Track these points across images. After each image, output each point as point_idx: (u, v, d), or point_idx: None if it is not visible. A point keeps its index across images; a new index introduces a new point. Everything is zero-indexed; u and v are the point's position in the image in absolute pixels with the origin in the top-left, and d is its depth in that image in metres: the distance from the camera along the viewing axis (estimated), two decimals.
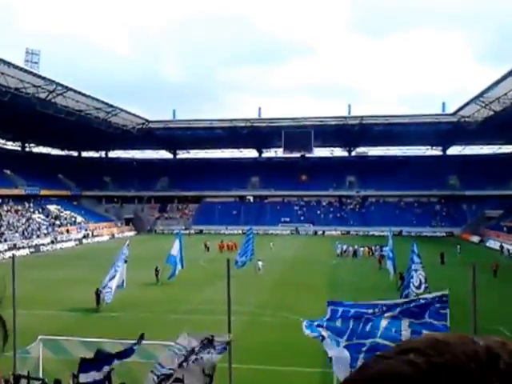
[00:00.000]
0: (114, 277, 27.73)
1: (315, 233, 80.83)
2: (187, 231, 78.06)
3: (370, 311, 7.67)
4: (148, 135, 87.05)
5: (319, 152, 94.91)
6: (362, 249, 53.72)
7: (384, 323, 7.49)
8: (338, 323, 8.02)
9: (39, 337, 15.36)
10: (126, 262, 29.30)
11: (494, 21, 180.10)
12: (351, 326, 7.88)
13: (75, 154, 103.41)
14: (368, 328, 7.58)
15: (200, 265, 44.32)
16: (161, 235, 78.64)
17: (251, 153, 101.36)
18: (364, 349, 7.52)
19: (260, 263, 39.56)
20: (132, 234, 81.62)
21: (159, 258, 38.27)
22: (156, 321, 24.91)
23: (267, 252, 50.44)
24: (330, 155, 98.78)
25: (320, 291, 33.02)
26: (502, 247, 54.84)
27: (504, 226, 68.99)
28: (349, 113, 79.93)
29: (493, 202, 79.56)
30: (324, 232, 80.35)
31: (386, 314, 7.55)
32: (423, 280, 24.94)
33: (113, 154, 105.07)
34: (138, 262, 40.43)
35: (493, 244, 60.27)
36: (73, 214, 79.89)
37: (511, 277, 38.64)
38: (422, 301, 7.52)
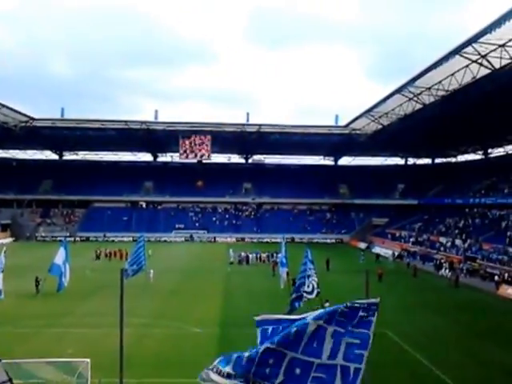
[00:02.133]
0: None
1: (210, 240, 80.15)
2: (72, 238, 73.80)
3: (301, 323, 7.07)
4: (32, 134, 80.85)
5: (216, 158, 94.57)
6: (255, 255, 53.85)
7: (308, 333, 6.92)
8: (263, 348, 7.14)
9: None
10: (2, 271, 26.80)
11: (380, 39, 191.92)
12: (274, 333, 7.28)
13: None
14: (292, 337, 6.97)
15: (85, 274, 41.77)
16: (42, 243, 73.93)
17: (146, 156, 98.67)
18: (284, 363, 6.93)
19: (151, 272, 38.03)
20: (9, 240, 75.06)
21: (40, 268, 35.92)
22: (35, 336, 23.06)
23: (159, 260, 48.87)
24: (227, 162, 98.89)
25: (214, 299, 32.62)
26: (378, 255, 58.08)
27: (388, 233, 73.25)
28: (247, 121, 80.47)
29: (379, 211, 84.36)
30: (218, 239, 79.91)
31: (311, 321, 6.95)
32: (315, 285, 25.25)
33: None
34: (16, 272, 38.02)
35: (378, 250, 63.44)
36: None
37: (394, 281, 40.72)
38: (345, 307, 7.00)
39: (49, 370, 13.31)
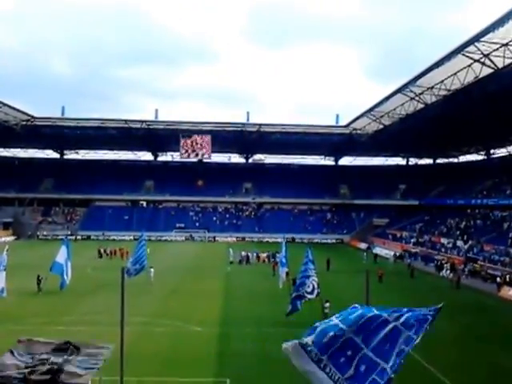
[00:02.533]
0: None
1: (210, 239, 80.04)
2: (73, 237, 73.89)
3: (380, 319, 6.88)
4: (33, 133, 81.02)
5: (217, 158, 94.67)
6: (254, 254, 53.81)
7: (385, 331, 6.70)
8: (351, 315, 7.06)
9: None
10: (4, 269, 26.74)
11: (381, 38, 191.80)
12: (361, 322, 6.98)
13: None
14: (371, 330, 6.79)
15: (86, 273, 41.78)
16: (44, 241, 73.98)
17: (146, 156, 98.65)
18: (357, 358, 6.75)
19: (152, 270, 37.94)
20: (11, 239, 75.22)
21: (41, 266, 35.81)
22: (37, 333, 22.48)
23: (160, 259, 48.75)
24: (228, 161, 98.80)
25: (214, 298, 32.57)
26: (375, 256, 56.93)
27: (389, 234, 73.08)
28: (247, 120, 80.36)
29: (380, 211, 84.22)
30: (218, 238, 79.88)
31: (392, 321, 6.77)
32: (316, 285, 25.07)
33: None
34: (18, 270, 37.93)
35: (379, 251, 63.21)
36: None
37: (394, 282, 40.61)
38: (419, 314, 6.80)
39: None
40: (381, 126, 68.55)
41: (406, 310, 6.90)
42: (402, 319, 6.73)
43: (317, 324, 7.19)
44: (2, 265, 26.85)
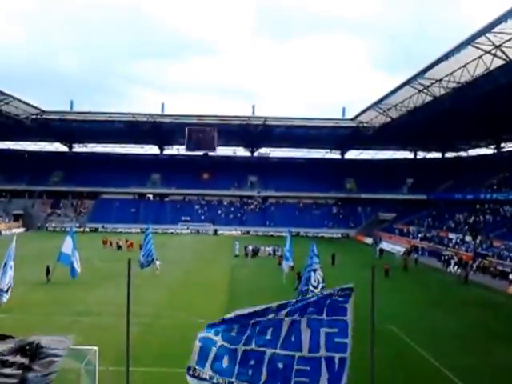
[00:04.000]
0: (6, 277, 25.45)
1: (215, 232, 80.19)
2: (81, 229, 74.41)
3: (270, 316, 6.94)
4: (42, 126, 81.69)
5: (222, 151, 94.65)
6: (265, 248, 53.85)
7: (284, 329, 6.79)
8: (234, 332, 7.10)
9: None
10: (11, 268, 26.93)
11: (388, 31, 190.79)
12: (248, 333, 7.03)
13: None
14: (268, 335, 6.85)
15: (94, 264, 42.13)
16: (52, 233, 74.27)
17: (152, 149, 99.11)
18: (265, 362, 6.80)
19: (158, 263, 38.16)
20: (21, 230, 76.04)
21: (50, 257, 36.03)
22: (44, 323, 23.19)
23: (166, 252, 48.93)
24: (233, 155, 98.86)
25: (219, 291, 32.68)
26: (381, 250, 56.28)
27: (396, 229, 72.83)
28: (253, 113, 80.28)
29: (386, 206, 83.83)
30: (223, 232, 79.95)
31: (285, 318, 6.84)
32: (321, 280, 24.98)
33: (2, 145, 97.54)
34: (27, 261, 38.28)
35: (385, 246, 62.87)
36: None
37: (400, 277, 40.50)
38: (318, 297, 6.95)
39: None
40: (388, 119, 68.06)
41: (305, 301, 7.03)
42: (297, 312, 6.84)
43: (201, 355, 7.35)
44: (10, 259, 26.78)
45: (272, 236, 74.06)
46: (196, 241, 68.58)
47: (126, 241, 55.87)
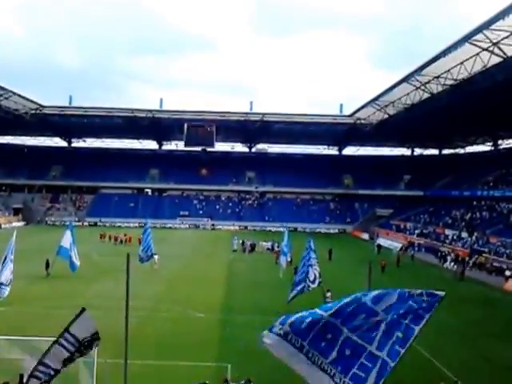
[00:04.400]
0: (7, 270, 25.71)
1: (213, 227, 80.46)
2: (80, 223, 74.73)
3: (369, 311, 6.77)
4: (42, 121, 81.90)
5: (220, 147, 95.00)
6: (263, 243, 54.06)
7: (374, 321, 6.68)
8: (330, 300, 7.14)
9: None
10: (13, 254, 27.21)
11: (386, 28, 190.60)
12: (340, 306, 6.98)
13: None
14: (353, 319, 6.77)
15: (93, 258, 42.52)
16: (52, 227, 74.57)
17: (151, 144, 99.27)
18: (339, 342, 6.78)
19: (156, 257, 38.49)
20: (21, 224, 76.46)
21: (50, 251, 36.35)
22: (44, 316, 23.54)
23: (165, 246, 49.22)
24: (231, 150, 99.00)
25: (216, 285, 33.07)
26: (379, 246, 55.97)
27: (393, 225, 73.13)
28: (251, 109, 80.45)
29: (383, 202, 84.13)
30: (221, 227, 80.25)
31: (375, 317, 6.73)
32: (317, 275, 25.31)
33: (1, 139, 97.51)
34: (27, 255, 38.47)
35: (382, 242, 63.06)
36: None
37: (397, 273, 40.80)
38: (412, 299, 6.71)
39: None
40: (386, 116, 68.28)
41: (396, 296, 6.80)
42: (390, 309, 6.69)
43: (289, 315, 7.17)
44: (10, 253, 26.95)
45: (270, 231, 74.31)
46: (194, 236, 68.89)
47: (125, 235, 56.65)
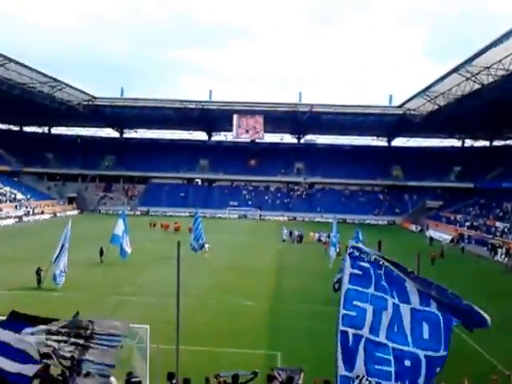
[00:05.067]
0: (64, 258, 27.15)
1: (262, 218, 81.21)
2: (132, 212, 77.05)
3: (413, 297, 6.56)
4: (94, 112, 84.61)
5: (269, 138, 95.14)
6: (313, 234, 54.04)
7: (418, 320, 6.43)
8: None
9: None
10: (67, 249, 28.50)
11: (438, 15, 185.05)
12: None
13: (16, 128, 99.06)
14: (400, 328, 6.47)
15: (145, 246, 43.68)
16: (105, 215, 76.85)
17: (201, 135, 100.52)
18: (392, 360, 6.48)
19: (207, 246, 39.50)
20: (75, 213, 79.57)
21: (103, 239, 37.54)
22: (98, 301, 24.42)
23: (215, 235, 50.17)
24: (280, 141, 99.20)
25: (266, 274, 33.55)
26: (431, 238, 55.74)
27: (443, 217, 71.76)
28: (300, 100, 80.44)
29: (433, 193, 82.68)
30: (270, 217, 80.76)
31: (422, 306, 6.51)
32: None
33: (56, 130, 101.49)
34: (81, 242, 39.75)
35: (432, 233, 62.34)
36: (13, 190, 76.83)
37: (447, 264, 40.25)
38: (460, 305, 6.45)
39: None
40: (436, 107, 66.96)
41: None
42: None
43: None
44: (66, 242, 27.74)
45: (318, 222, 74.43)
46: (243, 226, 69.70)
47: (175, 223, 58.37)
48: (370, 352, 6.56)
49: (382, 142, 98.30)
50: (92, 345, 8.32)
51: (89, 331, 8.34)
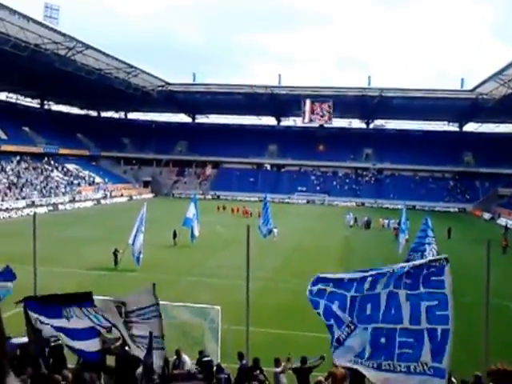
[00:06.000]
0: (138, 239, 28.40)
1: (330, 203, 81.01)
2: (203, 196, 78.98)
3: (366, 286, 7.12)
4: (167, 98, 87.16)
5: (338, 123, 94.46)
6: (382, 220, 53.84)
7: (383, 302, 6.92)
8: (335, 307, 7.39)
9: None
10: (142, 232, 29.59)
11: None
12: (349, 306, 7.28)
13: (94, 113, 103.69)
14: (368, 310, 7.05)
15: (216, 230, 44.83)
16: (178, 199, 79.05)
17: (270, 120, 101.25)
18: (368, 337, 7.02)
19: (275, 230, 40.18)
20: (150, 196, 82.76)
21: (177, 222, 38.91)
22: (173, 282, 25.49)
23: (283, 220, 50.65)
24: (348, 126, 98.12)
25: (333, 259, 33.77)
26: (506, 227, 52.73)
27: None
28: (369, 84, 79.13)
29: (506, 181, 79.15)
30: (338, 203, 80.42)
31: (381, 291, 6.98)
32: (435, 253, 24.86)
33: (132, 115, 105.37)
34: (156, 225, 41.07)
35: (504, 222, 59.91)
36: (91, 174, 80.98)
37: None
38: (409, 267, 6.83)
39: (185, 313, 14.61)
40: (510, 91, 64.06)
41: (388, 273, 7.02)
42: (391, 284, 6.88)
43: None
44: (141, 225, 28.87)
45: (387, 208, 73.50)
46: (311, 211, 69.94)
47: (243, 207, 60.28)
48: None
49: (453, 128, 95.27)
50: (133, 320, 8.51)
51: (123, 310, 8.50)
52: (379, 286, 7.04)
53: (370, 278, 7.21)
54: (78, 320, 8.58)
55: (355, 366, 7.18)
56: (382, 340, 6.87)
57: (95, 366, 9.14)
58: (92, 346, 8.81)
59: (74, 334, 8.74)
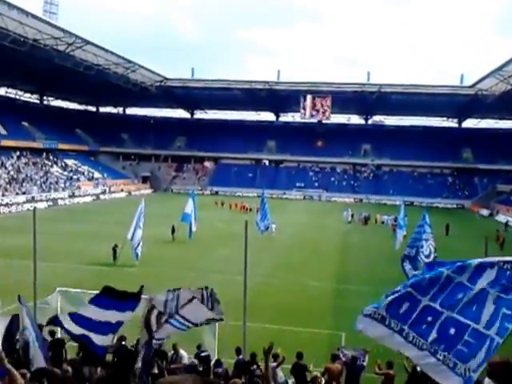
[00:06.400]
0: (137, 235, 28.41)
1: (328, 199, 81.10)
2: (202, 191, 78.98)
3: (464, 277, 6.50)
4: (166, 93, 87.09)
5: (336, 118, 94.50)
6: (380, 216, 54.07)
7: (470, 296, 6.43)
8: (425, 283, 6.73)
9: (57, 289, 16.04)
10: (140, 228, 29.61)
11: None
12: (437, 289, 6.64)
13: (93, 109, 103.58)
14: (453, 299, 6.55)
15: (215, 225, 45.04)
16: (177, 194, 79.03)
17: (268, 116, 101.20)
18: (439, 322, 6.56)
19: (273, 226, 40.32)
20: (148, 191, 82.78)
21: (175, 217, 39.11)
22: (172, 277, 25.38)
23: (281, 216, 50.87)
24: (347, 122, 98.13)
25: (331, 255, 33.94)
26: (507, 223, 53.62)
27: None
28: (368, 80, 79.16)
29: (505, 177, 79.35)
30: (336, 199, 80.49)
31: (474, 285, 6.42)
32: (432, 250, 24.99)
33: (130, 110, 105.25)
34: (154, 220, 40.85)
35: (502, 218, 60.11)
36: (90, 169, 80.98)
37: None
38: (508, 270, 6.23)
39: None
40: (509, 87, 64.15)
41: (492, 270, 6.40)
42: (488, 281, 6.34)
43: (383, 297, 6.86)
44: (139, 220, 28.81)
45: (385, 204, 73.62)
46: (309, 206, 70.09)
47: (242, 203, 60.46)
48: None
49: (452, 124, 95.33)
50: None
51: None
52: (478, 280, 6.48)
53: (472, 269, 6.59)
54: (103, 312, 8.17)
55: (397, 338, 6.66)
56: (451, 331, 6.50)
57: (95, 359, 9.18)
58: (106, 340, 8.74)
59: (95, 326, 8.33)
